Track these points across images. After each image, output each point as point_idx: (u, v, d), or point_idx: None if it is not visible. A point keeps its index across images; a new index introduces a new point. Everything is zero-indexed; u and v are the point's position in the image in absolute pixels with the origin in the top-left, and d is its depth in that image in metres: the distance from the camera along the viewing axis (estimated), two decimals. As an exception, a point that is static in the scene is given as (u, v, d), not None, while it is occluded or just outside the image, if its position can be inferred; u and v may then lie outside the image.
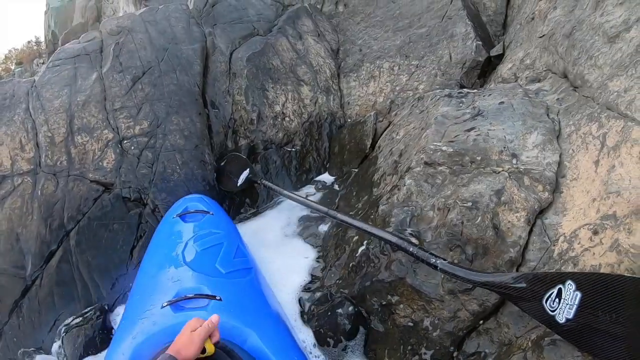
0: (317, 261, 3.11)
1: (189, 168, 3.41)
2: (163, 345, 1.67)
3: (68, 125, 3.40)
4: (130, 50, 3.94)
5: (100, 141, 3.38)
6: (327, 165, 4.19)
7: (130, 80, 3.69)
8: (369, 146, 3.81)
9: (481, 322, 2.09)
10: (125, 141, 3.40)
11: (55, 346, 2.88)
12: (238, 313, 2.00)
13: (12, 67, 32.28)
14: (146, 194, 3.25)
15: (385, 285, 2.39)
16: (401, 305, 2.33)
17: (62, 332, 2.86)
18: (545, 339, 1.74)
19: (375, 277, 2.45)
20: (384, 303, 2.40)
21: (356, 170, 3.78)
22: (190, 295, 2.01)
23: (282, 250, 3.25)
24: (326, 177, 4.08)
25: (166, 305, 1.94)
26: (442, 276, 2.17)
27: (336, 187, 3.85)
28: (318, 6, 5.46)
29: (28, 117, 3.48)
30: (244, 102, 4.00)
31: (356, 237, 2.85)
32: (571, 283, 1.59)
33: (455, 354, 2.13)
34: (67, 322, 2.92)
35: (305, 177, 4.08)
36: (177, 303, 1.96)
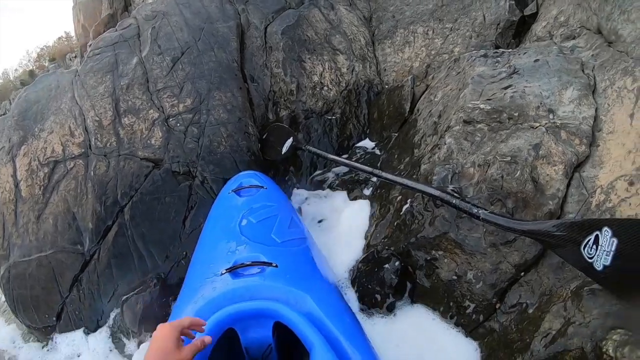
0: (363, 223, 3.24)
1: (234, 140, 3.55)
2: (222, 308, 1.79)
3: (114, 109, 3.60)
4: (167, 33, 4.09)
5: (147, 121, 3.55)
6: (368, 132, 4.28)
7: (170, 61, 3.85)
8: (407, 110, 3.85)
9: (522, 274, 2.19)
10: (170, 119, 3.57)
11: (114, 314, 3.12)
12: (294, 279, 2.07)
13: (46, 64, 32.60)
14: (195, 167, 3.41)
15: (430, 241, 2.51)
16: (445, 260, 2.45)
17: (122, 300, 3.08)
18: (585, 288, 1.83)
19: (420, 233, 2.57)
20: (428, 258, 2.53)
21: (396, 134, 3.85)
22: (248, 263, 2.09)
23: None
24: (367, 143, 4.17)
25: (225, 273, 2.04)
26: (484, 230, 2.29)
27: (377, 151, 3.94)
28: (348, -26, 5.50)
29: (74, 104, 3.68)
30: (282, 74, 4.12)
31: (399, 197, 2.97)
32: (607, 229, 1.65)
33: (497, 305, 2.24)
34: (126, 290, 3.14)
35: (347, 143, 4.19)
36: (236, 270, 2.06)
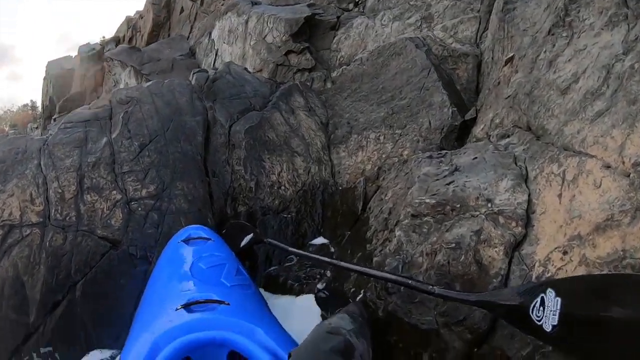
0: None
1: (193, 230, 3.64)
2: (179, 338, 1.92)
3: (78, 184, 3.66)
4: (138, 119, 4.28)
5: (109, 201, 3.62)
6: (322, 230, 4.42)
7: (137, 147, 4.00)
8: (360, 209, 4.05)
9: (475, 349, 2.28)
10: (132, 202, 3.65)
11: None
12: (245, 315, 2.24)
13: (6, 129, 31.94)
14: (152, 252, 3.46)
15: (384, 327, 2.60)
16: (400, 345, 2.54)
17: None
18: (536, 352, 1.96)
19: (374, 320, 2.65)
20: (384, 343, 2.59)
21: (349, 232, 4.00)
22: (202, 300, 2.25)
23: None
24: (321, 240, 4.29)
25: (180, 308, 2.17)
26: (435, 312, 2.40)
27: (331, 249, 4.07)
28: (308, 83, 6.01)
29: (39, 172, 3.71)
30: (243, 171, 4.32)
31: (353, 289, 3.08)
32: (551, 290, 1.80)
33: (455, 382, 2.31)
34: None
35: (302, 241, 4.30)
36: (190, 307, 2.19)
